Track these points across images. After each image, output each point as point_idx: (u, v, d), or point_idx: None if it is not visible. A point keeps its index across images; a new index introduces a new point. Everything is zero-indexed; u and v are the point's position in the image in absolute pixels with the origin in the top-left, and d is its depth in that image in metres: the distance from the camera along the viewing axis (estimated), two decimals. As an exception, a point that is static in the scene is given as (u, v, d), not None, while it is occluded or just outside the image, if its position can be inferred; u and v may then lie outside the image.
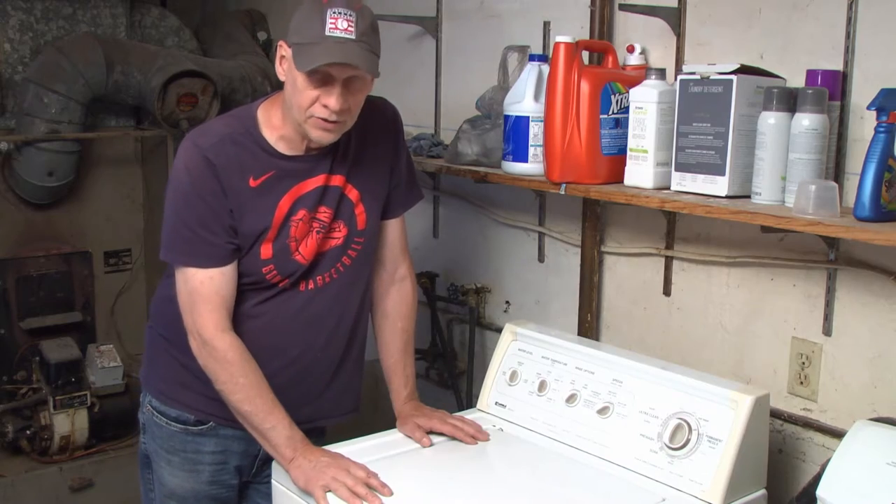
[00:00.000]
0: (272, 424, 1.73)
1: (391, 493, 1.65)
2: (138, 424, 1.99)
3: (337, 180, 1.82)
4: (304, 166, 1.80)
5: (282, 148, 1.77)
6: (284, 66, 1.71)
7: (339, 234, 1.85)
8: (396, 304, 2.00)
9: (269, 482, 1.81)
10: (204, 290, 1.74)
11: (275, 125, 1.77)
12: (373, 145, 1.86)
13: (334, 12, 1.64)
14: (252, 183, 1.75)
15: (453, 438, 1.89)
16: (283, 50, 1.71)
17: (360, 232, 1.87)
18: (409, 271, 2.03)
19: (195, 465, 1.88)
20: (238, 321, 1.79)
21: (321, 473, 1.67)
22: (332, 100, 1.66)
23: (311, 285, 1.84)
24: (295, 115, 1.71)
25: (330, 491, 1.65)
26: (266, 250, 1.78)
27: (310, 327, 1.86)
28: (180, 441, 1.88)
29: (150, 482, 1.96)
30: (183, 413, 1.87)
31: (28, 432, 2.98)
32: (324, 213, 1.81)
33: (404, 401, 1.99)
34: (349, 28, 1.64)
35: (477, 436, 1.90)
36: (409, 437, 1.90)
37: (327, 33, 1.63)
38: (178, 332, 1.80)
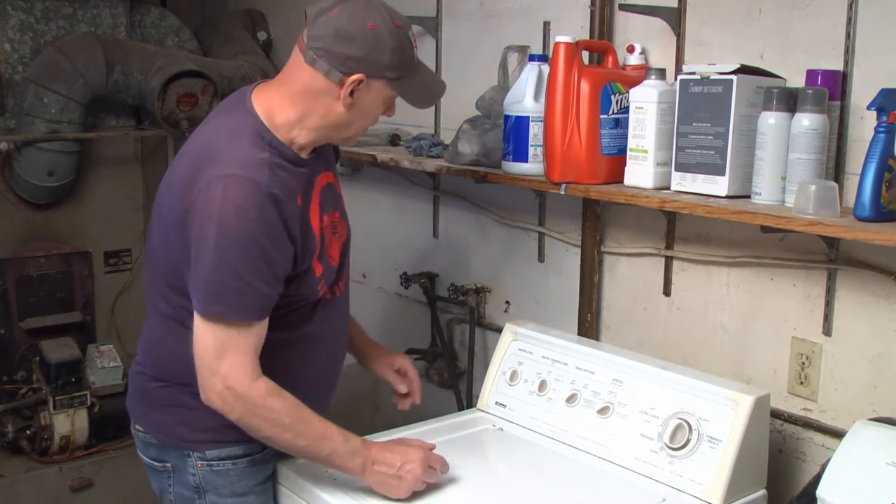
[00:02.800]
0: (331, 448, 1.64)
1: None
2: (170, 500, 1.80)
3: (330, 177, 1.81)
4: (316, 165, 1.74)
5: (303, 154, 1.69)
6: (359, 96, 1.62)
7: (344, 229, 1.84)
8: None
9: None
10: (239, 339, 1.58)
11: (286, 130, 1.65)
12: None
13: (412, 35, 1.66)
14: (298, 202, 1.65)
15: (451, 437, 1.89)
16: (360, 82, 1.60)
17: (348, 221, 1.87)
18: None
19: (266, 494, 1.80)
20: (287, 345, 1.71)
21: (403, 484, 1.65)
22: (393, 109, 1.72)
23: (338, 291, 1.82)
24: (347, 133, 1.70)
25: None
26: (318, 267, 1.71)
27: (344, 329, 1.89)
28: (251, 476, 1.76)
29: None
30: (248, 446, 1.73)
31: (28, 432, 2.99)
32: (334, 213, 1.79)
33: (366, 342, 2.07)
34: (417, 45, 1.69)
35: (413, 401, 2.02)
36: (384, 377, 2.01)
37: (416, 58, 1.68)
38: None
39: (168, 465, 1.77)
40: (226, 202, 1.53)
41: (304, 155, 1.69)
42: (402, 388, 2.01)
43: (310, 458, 1.68)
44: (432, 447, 1.73)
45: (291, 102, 1.65)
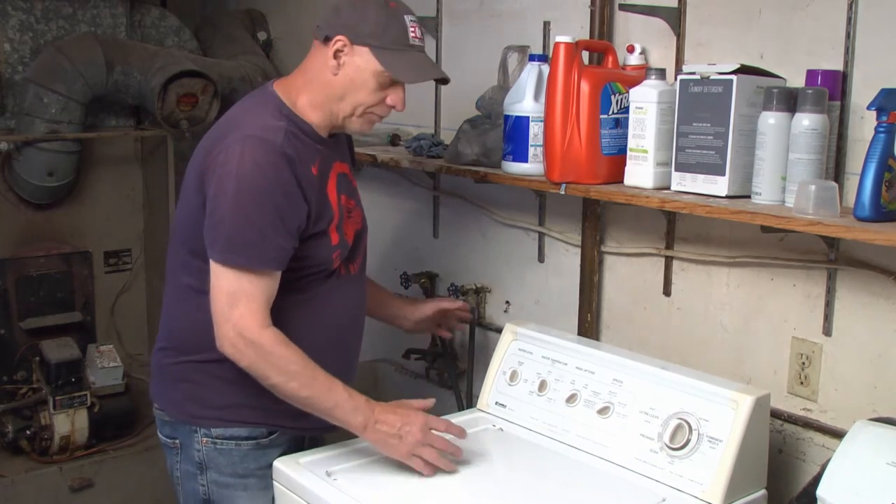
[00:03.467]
0: (334, 401, 1.70)
1: (465, 435, 1.80)
2: (176, 476, 1.87)
3: (346, 167, 1.90)
4: (332, 151, 1.84)
5: (321, 133, 1.80)
6: (344, 61, 1.72)
7: (359, 217, 1.92)
8: None
9: None
10: (252, 288, 1.66)
11: (302, 110, 1.77)
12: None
13: (412, 20, 1.75)
14: (314, 172, 1.75)
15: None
16: (343, 45, 1.72)
17: (364, 217, 1.95)
18: None
19: (268, 481, 1.82)
20: (300, 310, 1.78)
21: (402, 444, 1.72)
22: (401, 102, 1.78)
23: (353, 269, 1.89)
24: (346, 108, 1.76)
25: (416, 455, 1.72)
26: (335, 236, 1.80)
27: (357, 310, 1.92)
28: (254, 459, 1.82)
29: None
30: (255, 429, 1.80)
31: (28, 432, 2.98)
32: (349, 200, 1.87)
33: (403, 301, 2.24)
34: (422, 37, 1.78)
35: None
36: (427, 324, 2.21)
37: (411, 42, 1.75)
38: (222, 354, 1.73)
39: (177, 441, 1.84)
40: (244, 158, 1.64)
41: (322, 133, 1.79)
42: (447, 334, 2.28)
43: (313, 410, 1.72)
44: (430, 405, 1.80)
45: (305, 82, 1.78)
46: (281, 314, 1.73)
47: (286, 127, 1.71)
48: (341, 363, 1.88)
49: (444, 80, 1.88)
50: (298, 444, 1.89)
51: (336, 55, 1.72)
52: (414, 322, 2.22)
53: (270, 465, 1.81)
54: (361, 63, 1.72)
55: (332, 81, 1.74)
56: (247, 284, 1.66)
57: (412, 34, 1.74)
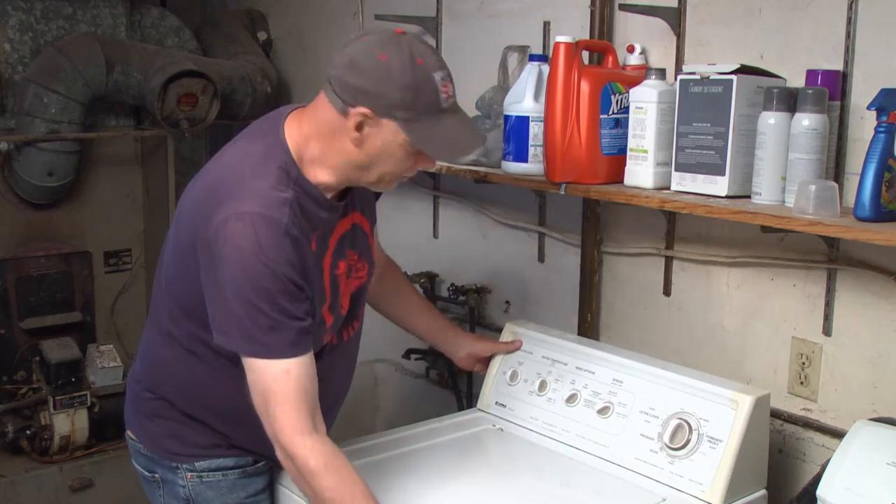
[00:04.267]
0: None
1: None
2: None
3: (357, 217, 1.71)
4: (337, 213, 1.64)
5: (328, 195, 1.59)
6: (367, 134, 1.50)
7: (363, 272, 1.75)
8: (397, 279, 2.07)
9: None
10: (279, 387, 1.48)
11: (310, 168, 1.56)
12: None
13: (442, 77, 1.50)
14: (313, 247, 1.56)
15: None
16: (366, 118, 1.48)
17: (372, 262, 1.79)
18: (386, 257, 2.05)
19: None
20: None
21: None
22: (433, 164, 1.61)
23: (350, 332, 1.77)
24: (370, 177, 1.56)
25: None
26: (329, 318, 1.64)
27: (348, 371, 1.83)
28: (242, 487, 1.72)
29: None
30: (240, 459, 1.70)
31: (28, 432, 2.98)
32: (352, 257, 1.70)
33: (458, 333, 2.11)
34: (453, 94, 1.53)
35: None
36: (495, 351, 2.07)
37: (444, 106, 1.50)
38: (217, 411, 1.66)
39: (157, 475, 1.73)
40: (245, 242, 1.45)
41: (329, 195, 1.59)
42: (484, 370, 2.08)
43: None
44: None
45: (316, 137, 1.55)
46: None
47: (293, 199, 1.51)
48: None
49: (482, 145, 1.68)
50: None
51: (359, 127, 1.49)
52: (464, 358, 2.09)
53: (258, 492, 1.75)
54: (389, 136, 1.49)
55: (354, 153, 1.52)
56: (271, 383, 1.48)
57: (444, 95, 1.50)
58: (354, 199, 1.69)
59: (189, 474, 1.69)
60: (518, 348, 2.05)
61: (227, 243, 1.46)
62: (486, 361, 2.09)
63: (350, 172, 1.56)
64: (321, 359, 1.61)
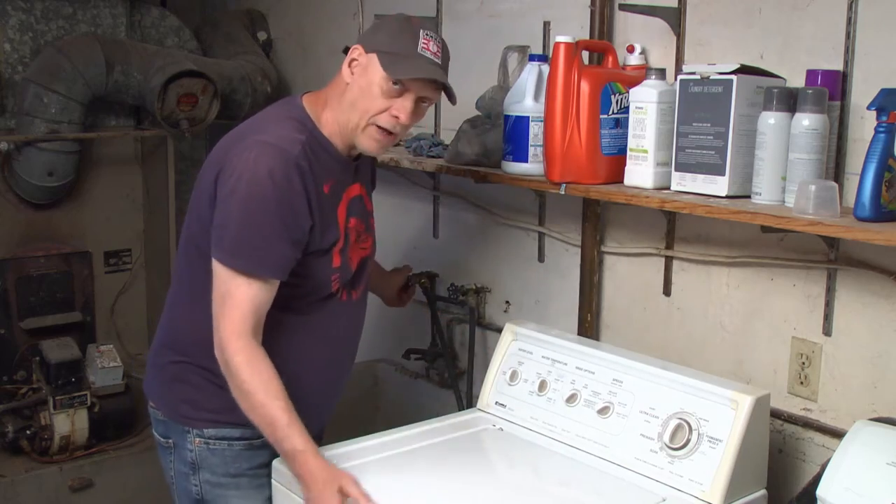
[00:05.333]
0: (270, 436, 1.67)
1: None
2: (170, 476, 1.88)
3: (363, 190, 1.89)
4: (351, 173, 1.83)
5: (342, 152, 1.80)
6: (356, 69, 1.73)
7: (368, 244, 1.91)
8: None
9: None
10: (240, 294, 1.66)
11: (326, 125, 1.78)
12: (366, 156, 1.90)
13: (427, 34, 1.75)
14: (326, 190, 1.75)
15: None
16: (358, 54, 1.74)
17: (374, 241, 1.95)
18: None
19: (259, 480, 1.83)
20: (294, 330, 1.79)
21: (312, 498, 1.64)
22: (405, 113, 1.73)
23: (354, 296, 1.88)
24: (355, 118, 1.74)
25: None
26: (337, 259, 1.79)
27: (353, 338, 1.92)
28: (246, 459, 1.83)
29: None
30: (246, 430, 1.77)
31: (28, 432, 2.98)
32: (360, 225, 1.86)
33: (385, 275, 2.31)
34: (437, 53, 1.76)
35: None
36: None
37: (419, 51, 1.72)
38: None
39: (171, 440, 1.85)
40: (258, 164, 1.65)
41: (342, 152, 1.79)
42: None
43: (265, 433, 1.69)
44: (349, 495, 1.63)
45: (329, 97, 1.78)
46: (279, 333, 1.74)
47: (305, 141, 1.72)
48: (328, 386, 1.92)
49: (447, 92, 1.80)
50: None
51: (351, 63, 1.74)
52: (393, 296, 2.32)
53: (262, 465, 1.82)
54: (370, 69, 1.72)
55: (346, 91, 1.74)
56: (235, 289, 1.66)
57: (423, 45, 1.73)
58: (360, 171, 1.87)
59: (197, 440, 1.81)
60: (409, 269, 2.34)
61: (242, 165, 1.66)
62: (407, 289, 2.33)
63: (345, 115, 1.75)
64: (326, 309, 1.78)
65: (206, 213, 1.72)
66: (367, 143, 1.75)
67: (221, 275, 1.67)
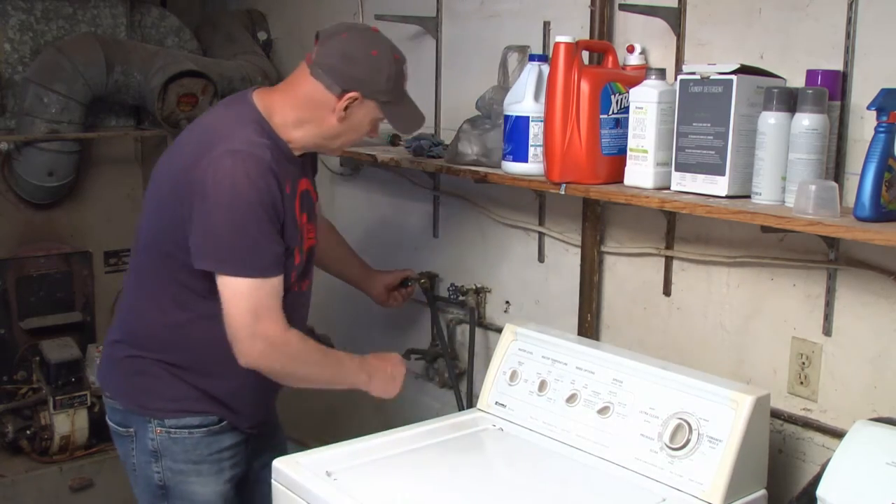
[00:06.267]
0: (346, 370, 1.92)
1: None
2: (131, 463, 1.96)
3: (309, 185, 1.97)
4: (298, 167, 1.91)
5: (294, 152, 1.88)
6: (352, 111, 1.83)
7: (313, 234, 1.98)
8: (339, 238, 2.43)
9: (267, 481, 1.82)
10: (268, 298, 1.75)
11: (280, 128, 1.84)
12: None
13: (405, 68, 1.89)
14: (287, 190, 1.82)
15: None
16: (356, 99, 1.82)
17: (317, 228, 2.02)
18: (326, 219, 2.39)
19: (220, 465, 1.93)
20: None
21: (396, 383, 2.00)
22: (377, 133, 1.95)
23: (304, 286, 1.97)
24: (335, 144, 1.90)
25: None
26: (297, 256, 1.88)
27: (304, 326, 1.98)
28: (206, 445, 1.91)
29: None
30: (206, 417, 1.90)
31: (28, 432, 2.99)
32: (310, 215, 1.95)
33: (373, 273, 2.47)
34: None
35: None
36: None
37: (405, 90, 1.91)
38: (194, 357, 1.87)
39: (131, 430, 1.92)
40: (236, 172, 1.70)
41: (295, 153, 1.88)
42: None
43: (328, 385, 1.94)
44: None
45: (292, 107, 1.84)
46: None
47: (270, 145, 1.79)
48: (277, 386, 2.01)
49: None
50: (242, 435, 1.99)
51: (346, 107, 1.82)
52: (381, 293, 2.47)
53: (221, 450, 1.93)
54: (365, 112, 1.85)
55: (334, 126, 1.84)
56: (264, 295, 1.74)
57: (406, 82, 1.90)
58: (305, 164, 1.95)
59: (158, 429, 1.88)
60: (412, 273, 2.49)
61: (220, 175, 1.70)
62: (398, 290, 2.49)
63: (320, 140, 1.87)
64: (286, 302, 1.83)
65: (173, 224, 1.78)
66: (336, 152, 1.99)
67: (239, 289, 1.73)
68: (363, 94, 1.81)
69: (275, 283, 1.76)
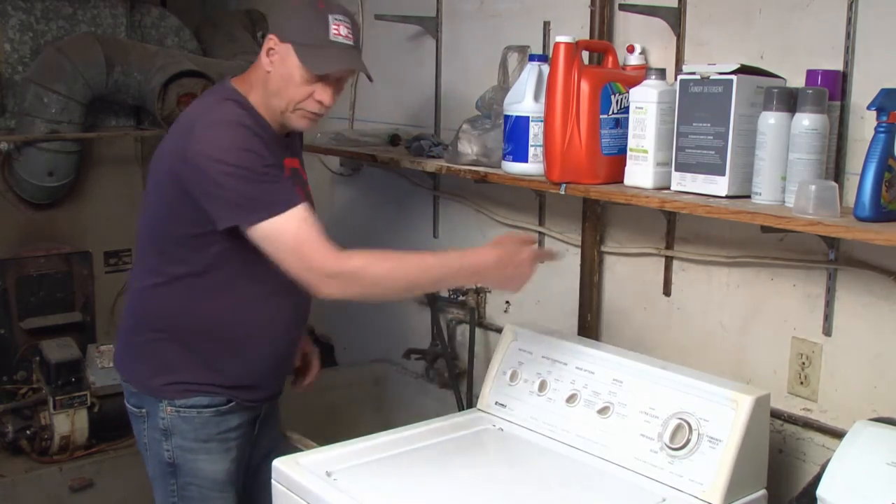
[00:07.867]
0: (441, 264, 1.80)
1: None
2: (143, 442, 2.00)
3: (296, 162, 1.99)
4: (284, 147, 1.93)
5: (275, 129, 1.89)
6: (274, 58, 1.83)
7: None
8: None
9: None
10: (307, 227, 1.72)
11: (257, 106, 1.87)
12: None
13: (336, 19, 1.83)
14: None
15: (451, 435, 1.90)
16: (275, 44, 1.83)
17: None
18: None
19: (227, 444, 1.97)
20: (266, 298, 1.90)
21: (518, 277, 1.84)
22: (327, 97, 1.85)
23: None
24: (281, 104, 1.85)
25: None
26: None
27: (306, 298, 1.96)
28: (214, 425, 1.94)
29: (174, 491, 1.99)
30: (214, 398, 1.93)
31: (28, 432, 2.98)
32: (303, 191, 1.94)
33: None
34: (349, 35, 1.85)
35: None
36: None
37: (331, 38, 1.82)
38: (189, 326, 1.90)
39: (144, 410, 1.97)
40: (222, 135, 1.74)
41: (275, 129, 1.89)
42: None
43: (436, 282, 1.91)
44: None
45: (255, 80, 1.88)
46: (254, 302, 1.90)
47: (249, 116, 1.82)
48: (293, 344, 2.08)
49: (365, 73, 1.92)
50: (256, 410, 2.03)
51: (269, 53, 1.84)
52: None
53: (229, 430, 1.96)
54: (287, 60, 1.82)
55: (268, 78, 1.84)
56: (300, 226, 1.71)
57: (334, 31, 1.82)
58: (291, 145, 1.98)
59: (169, 408, 1.93)
60: (311, 350, 2.27)
61: (207, 145, 1.73)
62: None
63: (270, 100, 1.85)
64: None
65: (172, 209, 1.83)
66: (298, 122, 1.88)
67: (272, 233, 1.72)
68: (279, 37, 1.82)
69: (302, 212, 1.72)
